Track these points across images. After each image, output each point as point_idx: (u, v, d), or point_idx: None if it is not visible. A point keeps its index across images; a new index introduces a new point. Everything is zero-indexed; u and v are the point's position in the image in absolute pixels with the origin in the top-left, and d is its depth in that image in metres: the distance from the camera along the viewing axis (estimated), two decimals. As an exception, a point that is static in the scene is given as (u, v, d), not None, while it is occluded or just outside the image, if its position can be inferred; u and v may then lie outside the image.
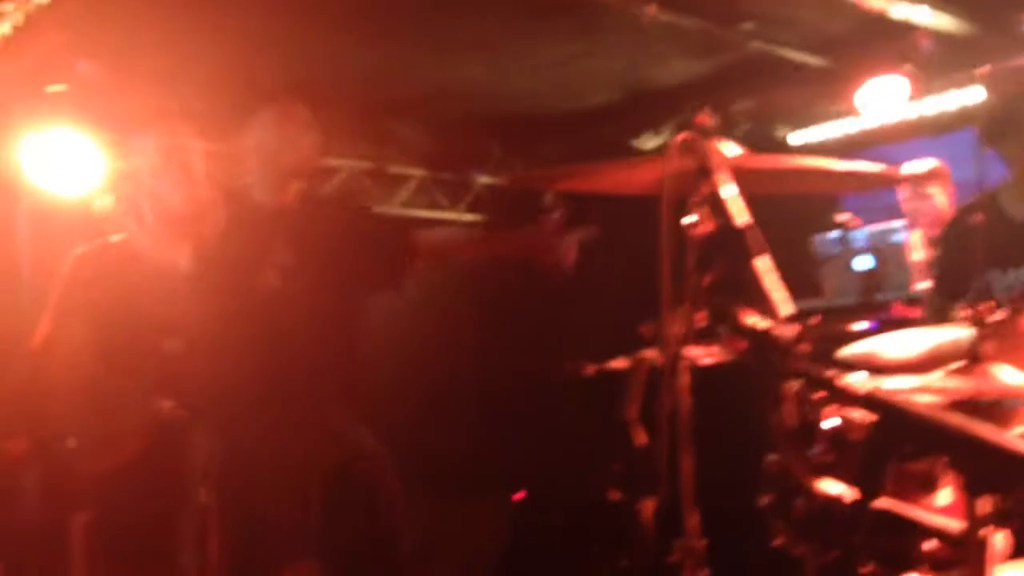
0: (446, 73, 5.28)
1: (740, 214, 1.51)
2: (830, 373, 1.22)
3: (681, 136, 1.52)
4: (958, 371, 1.62)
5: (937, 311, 3.26)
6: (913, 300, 4.40)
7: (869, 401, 1.15)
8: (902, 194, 4.85)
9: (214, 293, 2.97)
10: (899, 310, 4.41)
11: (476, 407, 6.19)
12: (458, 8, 4.52)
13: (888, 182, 4.51)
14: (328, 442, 2.99)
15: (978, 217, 3.27)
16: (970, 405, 1.46)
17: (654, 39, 4.93)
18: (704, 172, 1.52)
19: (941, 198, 4.77)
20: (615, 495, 1.83)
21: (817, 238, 4.63)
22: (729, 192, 1.52)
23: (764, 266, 1.47)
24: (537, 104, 5.89)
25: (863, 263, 4.46)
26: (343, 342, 3.13)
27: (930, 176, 4.77)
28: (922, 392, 1.49)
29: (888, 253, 4.44)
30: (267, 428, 2.88)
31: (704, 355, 3.07)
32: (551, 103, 5.90)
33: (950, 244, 3.53)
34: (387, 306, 3.30)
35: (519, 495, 5.03)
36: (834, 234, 4.54)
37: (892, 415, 1.12)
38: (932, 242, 4.49)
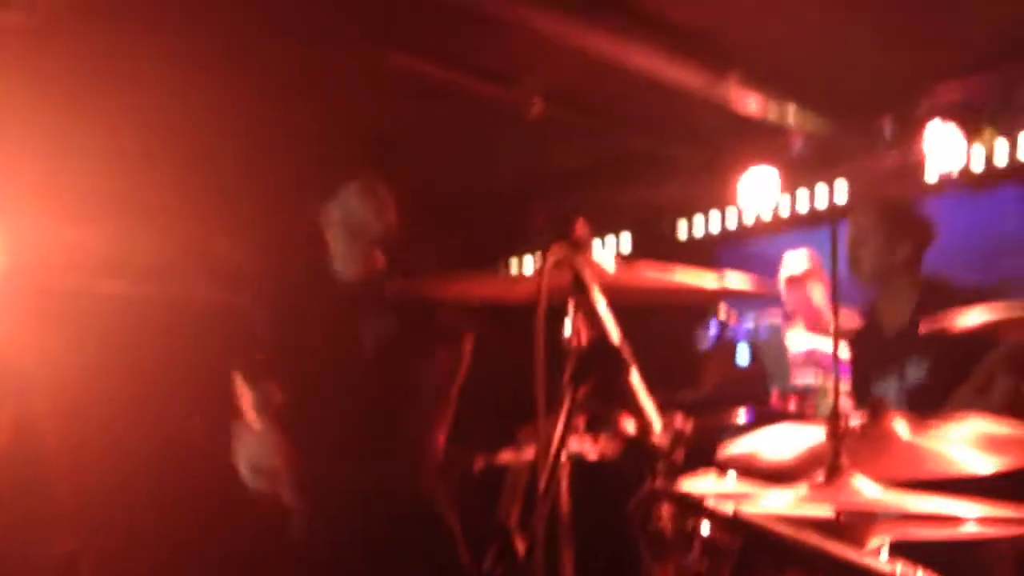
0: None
1: (613, 330, 1.55)
2: (697, 496, 1.25)
3: (556, 252, 1.56)
4: (820, 485, 1.68)
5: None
6: (790, 392, 4.55)
7: (733, 524, 1.18)
8: (784, 293, 5.04)
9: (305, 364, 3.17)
10: (777, 402, 4.55)
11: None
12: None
13: (761, 295, 4.71)
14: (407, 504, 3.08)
15: (859, 332, 3.51)
16: (828, 521, 1.51)
17: (539, 133, 5.06)
18: (579, 287, 1.56)
19: (818, 294, 4.97)
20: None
21: (699, 331, 4.77)
22: (602, 308, 1.57)
23: (635, 380, 1.51)
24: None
25: (743, 356, 4.60)
26: (419, 408, 3.26)
27: (804, 277, 4.97)
28: (784, 508, 1.53)
29: (766, 346, 4.59)
30: (352, 492, 3.05)
31: (591, 451, 3.12)
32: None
33: (854, 353, 3.75)
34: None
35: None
36: (714, 327, 4.68)
37: (755, 537, 1.15)
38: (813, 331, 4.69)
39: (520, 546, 1.90)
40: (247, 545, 4.83)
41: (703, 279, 1.90)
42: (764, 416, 4.47)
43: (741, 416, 4.60)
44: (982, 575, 2.83)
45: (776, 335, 4.62)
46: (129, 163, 4.79)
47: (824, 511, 1.52)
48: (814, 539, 1.13)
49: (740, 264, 5.44)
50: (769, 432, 2.50)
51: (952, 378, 3.31)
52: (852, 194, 5.39)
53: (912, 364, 3.45)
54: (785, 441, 2.41)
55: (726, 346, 4.65)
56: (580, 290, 1.58)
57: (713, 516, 1.19)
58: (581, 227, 1.89)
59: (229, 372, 3.23)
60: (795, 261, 4.98)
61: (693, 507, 1.22)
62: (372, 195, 3.31)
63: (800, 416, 4.34)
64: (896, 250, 3.56)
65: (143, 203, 5.29)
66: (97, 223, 5.37)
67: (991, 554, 2.87)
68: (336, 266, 3.31)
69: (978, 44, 4.54)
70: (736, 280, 2.05)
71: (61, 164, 4.66)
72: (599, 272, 1.71)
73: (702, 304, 4.74)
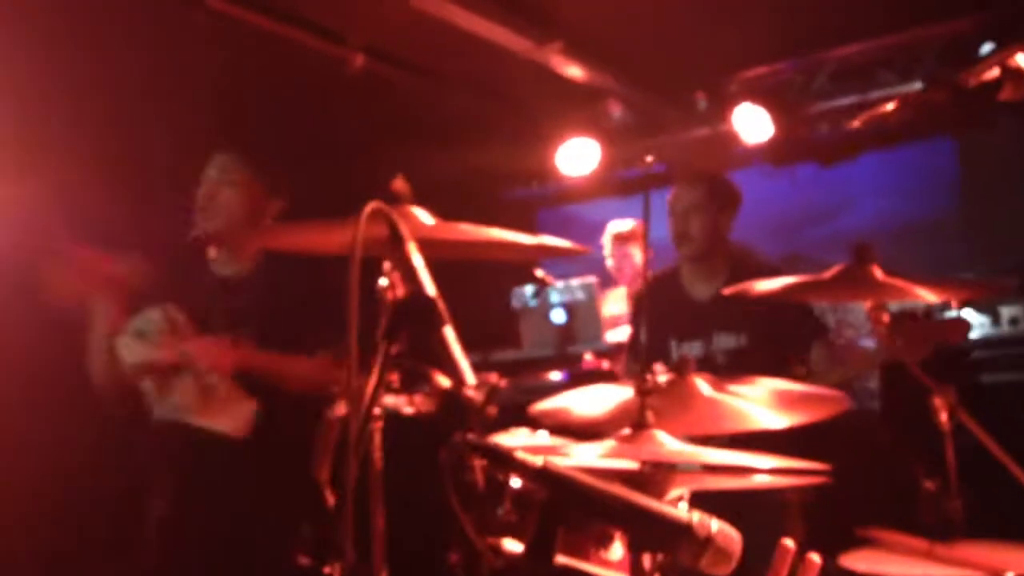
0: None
1: (428, 284, 1.55)
2: (507, 448, 1.27)
3: (372, 205, 1.54)
4: (626, 438, 1.74)
5: (631, 372, 3.52)
6: (603, 352, 4.70)
7: (542, 475, 1.21)
8: (606, 252, 5.19)
9: None
10: (590, 361, 4.68)
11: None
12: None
13: (574, 253, 4.83)
14: None
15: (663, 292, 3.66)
16: (634, 472, 1.57)
17: (364, 94, 4.98)
18: (396, 241, 1.55)
19: (639, 257, 5.15)
20: (303, 560, 1.79)
21: (515, 291, 4.84)
22: (418, 262, 1.56)
23: (450, 336, 1.52)
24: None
25: (558, 316, 4.70)
26: None
27: (630, 236, 5.13)
28: (592, 461, 1.59)
29: (580, 308, 4.71)
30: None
31: (406, 405, 3.12)
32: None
33: (638, 314, 3.90)
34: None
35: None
36: (530, 289, 4.76)
37: (562, 489, 1.19)
38: (633, 297, 4.85)
39: (330, 499, 1.88)
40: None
41: (519, 237, 1.92)
42: (578, 375, 4.61)
43: (555, 375, 4.72)
44: (771, 522, 3.01)
45: (590, 296, 4.74)
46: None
47: (629, 463, 1.58)
48: (619, 490, 1.18)
49: (559, 228, 5.59)
50: (581, 390, 2.57)
51: (764, 348, 3.53)
52: (668, 164, 5.59)
53: (721, 332, 3.63)
54: (595, 399, 2.48)
55: (541, 306, 4.74)
56: (396, 243, 1.56)
57: (523, 468, 1.22)
58: (399, 182, 1.87)
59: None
60: (621, 222, 5.18)
61: (502, 459, 1.24)
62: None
63: (612, 374, 4.49)
64: (723, 222, 3.73)
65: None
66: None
67: (779, 503, 3.07)
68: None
69: (784, 31, 4.78)
70: (551, 239, 2.09)
71: None
72: (416, 226, 1.70)
73: (518, 264, 4.81)
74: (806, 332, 3.56)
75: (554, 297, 4.73)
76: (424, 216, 1.78)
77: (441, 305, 1.53)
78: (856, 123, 2.19)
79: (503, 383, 1.82)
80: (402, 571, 1.98)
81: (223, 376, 2.97)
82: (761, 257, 3.88)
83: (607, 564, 1.77)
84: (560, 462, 1.23)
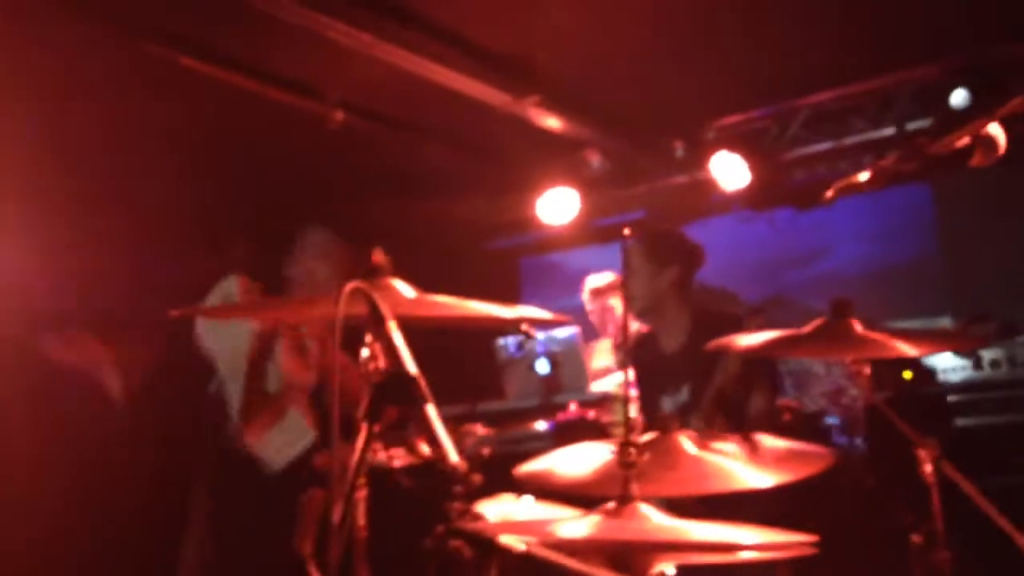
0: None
1: (410, 362, 1.56)
2: (489, 534, 1.26)
3: (352, 284, 1.54)
4: (611, 512, 1.74)
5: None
6: (589, 402, 4.69)
7: (526, 562, 1.20)
8: (589, 306, 5.21)
9: None
10: (575, 411, 4.68)
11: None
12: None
13: (555, 323, 4.86)
14: None
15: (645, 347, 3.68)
16: (618, 550, 1.57)
17: (342, 150, 5.00)
18: (376, 319, 1.55)
19: (619, 306, 5.16)
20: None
21: (499, 342, 4.84)
22: (399, 340, 1.56)
23: (432, 414, 1.52)
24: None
25: (542, 367, 4.70)
26: None
27: (607, 289, 5.16)
28: (578, 538, 1.58)
29: (564, 357, 4.71)
30: None
31: (392, 458, 3.11)
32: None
33: (638, 373, 3.91)
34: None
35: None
36: (514, 340, 4.76)
37: (546, 572, 1.18)
38: (618, 348, 4.85)
39: (315, 574, 1.87)
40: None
41: (498, 311, 1.93)
42: (563, 425, 4.60)
43: (541, 424, 4.70)
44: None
45: (574, 346, 4.74)
46: None
47: (614, 539, 1.58)
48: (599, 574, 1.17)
49: (541, 276, 5.61)
50: (564, 451, 2.56)
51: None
52: (648, 212, 5.64)
53: (685, 384, 3.65)
54: (579, 459, 2.47)
55: (526, 357, 4.74)
56: (376, 321, 1.57)
57: (506, 554, 1.21)
58: (378, 255, 1.88)
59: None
60: (599, 277, 5.22)
61: (486, 546, 1.24)
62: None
63: (598, 425, 4.48)
64: (662, 278, 3.73)
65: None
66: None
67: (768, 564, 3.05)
68: None
69: (758, 79, 4.85)
70: (531, 311, 2.09)
71: None
72: (396, 300, 1.70)
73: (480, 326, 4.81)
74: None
75: (538, 347, 4.73)
76: (404, 289, 1.78)
77: (423, 383, 1.53)
78: (829, 194, 2.20)
79: (487, 451, 1.82)
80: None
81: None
82: (722, 306, 3.93)
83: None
84: (543, 545, 1.23)
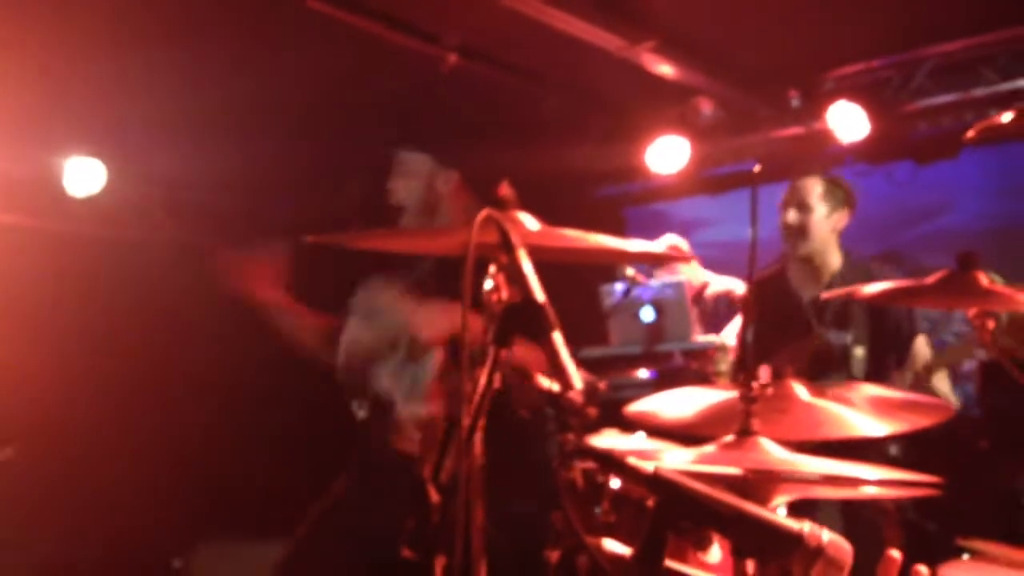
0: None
1: (538, 290, 1.59)
2: (619, 454, 1.29)
3: (485, 212, 1.58)
4: (730, 445, 1.76)
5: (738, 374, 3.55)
6: (692, 351, 4.68)
7: (653, 481, 1.23)
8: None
9: None
10: (679, 360, 4.67)
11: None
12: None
13: (679, 260, 4.85)
14: None
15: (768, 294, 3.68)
16: (739, 479, 1.59)
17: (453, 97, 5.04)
18: (507, 247, 1.59)
19: (688, 274, 5.15)
20: (407, 553, 1.84)
21: (604, 288, 4.84)
22: (528, 268, 1.60)
23: (559, 340, 1.55)
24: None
25: (647, 315, 4.69)
26: None
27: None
28: (698, 467, 1.60)
29: (669, 306, 4.69)
30: None
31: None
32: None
33: (748, 313, 3.90)
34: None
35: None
36: (620, 286, 4.76)
37: (673, 495, 1.21)
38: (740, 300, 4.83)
39: (435, 497, 1.93)
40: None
41: (625, 244, 1.94)
42: (666, 374, 4.60)
43: (643, 373, 4.72)
44: (870, 531, 2.99)
45: (680, 294, 4.72)
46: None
47: (733, 470, 1.60)
48: (730, 498, 1.20)
49: (647, 226, 5.59)
50: (669, 393, 2.58)
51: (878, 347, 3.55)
52: (763, 163, 5.53)
53: (828, 331, 3.65)
54: (684, 401, 2.49)
55: (631, 304, 4.74)
56: (506, 249, 1.60)
57: (634, 474, 1.24)
58: (505, 187, 1.91)
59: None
60: (660, 242, 5.19)
61: (615, 465, 1.27)
62: None
63: (701, 374, 4.47)
64: (835, 221, 3.76)
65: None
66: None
67: (877, 511, 3.04)
68: None
69: (882, 27, 4.70)
70: (656, 245, 2.10)
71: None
72: (523, 232, 1.74)
73: (609, 263, 4.81)
74: (907, 330, 3.60)
75: (643, 295, 4.72)
76: (530, 221, 1.81)
77: (550, 311, 1.56)
78: (970, 134, 2.14)
79: (603, 384, 1.85)
80: (500, 567, 2.02)
81: None
82: (871, 262, 3.91)
83: (705, 566, 1.79)
84: (669, 468, 1.25)
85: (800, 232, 3.73)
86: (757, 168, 3.12)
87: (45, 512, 5.17)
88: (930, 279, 2.53)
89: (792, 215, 3.74)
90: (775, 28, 4.70)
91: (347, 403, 3.29)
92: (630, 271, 4.75)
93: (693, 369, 4.61)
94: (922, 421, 2.23)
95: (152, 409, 5.50)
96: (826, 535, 1.20)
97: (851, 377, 3.65)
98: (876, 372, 3.60)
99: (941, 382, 3.60)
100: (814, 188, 3.76)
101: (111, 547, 5.33)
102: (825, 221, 3.76)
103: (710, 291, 5.05)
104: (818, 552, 1.18)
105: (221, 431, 5.66)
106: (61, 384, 5.10)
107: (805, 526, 1.20)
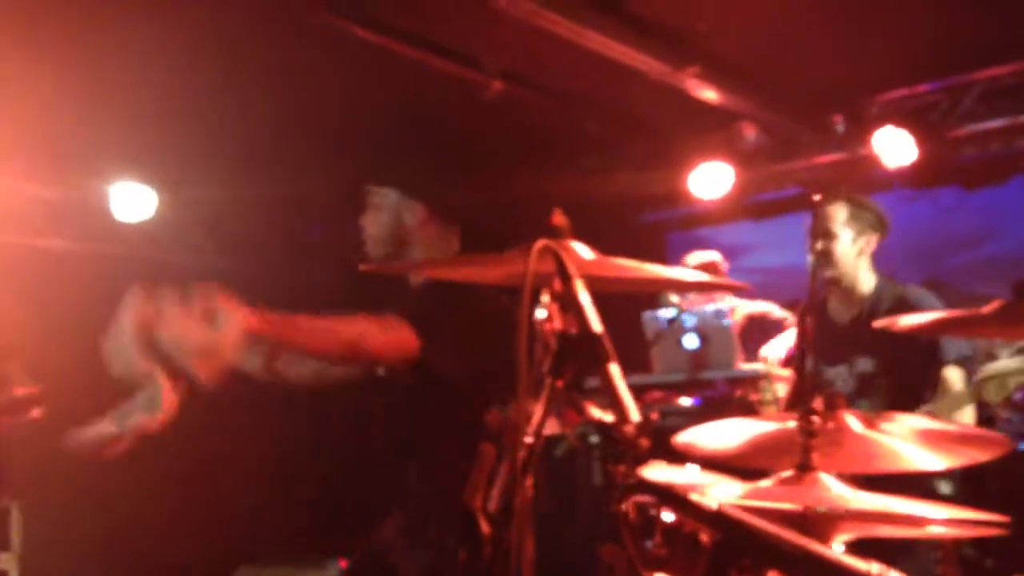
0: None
1: (595, 320, 1.58)
2: (681, 489, 1.28)
3: (543, 241, 1.57)
4: (789, 480, 1.73)
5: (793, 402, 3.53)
6: (736, 379, 4.64)
7: (717, 519, 1.21)
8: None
9: None
10: (723, 388, 4.63)
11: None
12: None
13: (733, 289, 4.82)
14: None
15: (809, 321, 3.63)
16: (799, 516, 1.56)
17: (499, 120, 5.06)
18: (564, 276, 1.58)
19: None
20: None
21: (647, 315, 4.82)
22: (585, 298, 1.59)
23: (616, 372, 1.54)
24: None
25: (691, 342, 4.66)
26: None
27: (709, 267, 5.12)
28: (758, 502, 1.57)
29: (714, 334, 4.66)
30: None
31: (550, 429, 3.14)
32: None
33: (800, 340, 3.87)
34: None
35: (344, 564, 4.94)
36: (663, 313, 4.73)
37: (737, 533, 1.19)
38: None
39: (485, 527, 1.91)
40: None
41: (680, 273, 1.93)
42: (710, 402, 4.56)
43: (686, 400, 4.68)
44: (926, 567, 2.92)
45: (724, 323, 4.69)
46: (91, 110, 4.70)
47: (791, 506, 1.57)
48: (797, 538, 1.17)
49: (689, 249, 5.54)
50: (718, 423, 2.54)
51: (903, 374, 3.49)
52: (806, 187, 5.51)
53: (861, 356, 3.61)
54: (734, 431, 2.45)
55: (674, 331, 4.71)
56: (563, 279, 1.59)
57: (696, 511, 1.22)
58: (559, 217, 1.90)
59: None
60: (701, 254, 5.22)
61: (676, 501, 1.25)
62: None
63: (745, 402, 4.43)
64: (863, 245, 3.73)
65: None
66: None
67: (934, 546, 2.97)
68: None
69: (928, 52, 4.67)
70: (710, 276, 2.08)
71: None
72: (578, 261, 1.73)
73: (653, 290, 4.79)
74: (933, 359, 3.53)
75: (687, 322, 4.69)
76: (584, 251, 1.80)
77: (607, 342, 1.55)
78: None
79: (655, 415, 1.83)
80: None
81: None
82: (906, 286, 3.83)
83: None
84: (731, 505, 1.23)
85: (826, 258, 3.71)
86: (817, 197, 3.09)
87: (88, 540, 5.22)
88: (986, 308, 2.48)
89: (818, 243, 3.72)
90: (820, 53, 4.68)
91: None
92: (675, 298, 4.72)
93: (737, 397, 4.56)
94: (980, 456, 2.18)
95: (200, 430, 5.53)
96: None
97: (875, 406, 3.59)
98: (898, 402, 3.52)
99: (967, 416, 3.52)
100: (838, 214, 3.73)
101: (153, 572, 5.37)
102: (851, 247, 3.73)
103: (739, 315, 5.02)
104: (887, 594, 1.15)
105: (273, 455, 5.70)
106: (109, 407, 5.14)
107: (873, 567, 1.17)
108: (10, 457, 4.01)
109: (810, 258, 3.73)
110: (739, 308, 5.05)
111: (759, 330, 4.94)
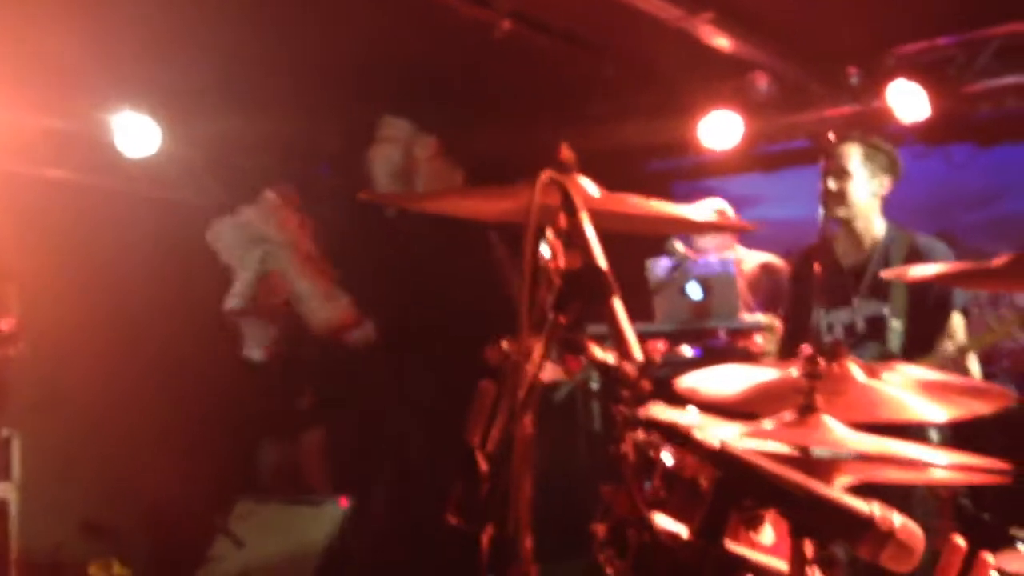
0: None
1: (600, 255, 1.55)
2: (685, 426, 1.26)
3: (547, 173, 1.54)
4: (792, 422, 1.71)
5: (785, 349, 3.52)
6: (738, 329, 4.62)
7: (720, 457, 1.19)
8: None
9: None
10: (724, 338, 4.61)
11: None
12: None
13: (742, 229, 4.77)
14: None
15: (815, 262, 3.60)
16: (803, 457, 1.54)
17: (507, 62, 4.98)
18: (569, 210, 1.55)
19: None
20: (453, 520, 1.82)
21: (650, 263, 4.78)
22: (591, 232, 1.56)
23: (619, 308, 1.51)
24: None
25: (694, 292, 4.63)
26: None
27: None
28: (761, 442, 1.56)
29: (717, 284, 4.63)
30: None
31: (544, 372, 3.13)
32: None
33: (795, 286, 3.85)
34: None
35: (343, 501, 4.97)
36: (667, 261, 4.70)
37: (739, 472, 1.17)
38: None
39: (483, 464, 1.90)
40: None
41: (690, 212, 1.89)
42: (711, 351, 4.55)
43: (687, 349, 4.67)
44: (923, 518, 2.92)
45: (729, 272, 4.66)
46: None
47: (794, 448, 1.55)
48: (799, 477, 1.15)
49: (695, 199, 5.48)
50: (718, 368, 2.53)
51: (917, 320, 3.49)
52: (816, 139, 5.43)
53: (866, 299, 3.60)
54: (735, 377, 2.43)
55: (678, 280, 4.68)
56: (569, 213, 1.56)
57: (699, 448, 1.20)
58: (566, 151, 1.86)
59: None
60: (711, 202, 5.11)
61: (680, 438, 1.23)
62: None
63: (746, 352, 4.42)
64: (876, 187, 3.70)
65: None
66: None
67: (931, 498, 2.98)
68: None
69: (946, 5, 4.58)
70: (722, 216, 2.05)
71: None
72: (584, 196, 1.70)
73: (656, 237, 4.75)
74: (946, 306, 3.54)
75: (691, 271, 4.66)
76: (590, 187, 1.77)
77: (612, 277, 1.52)
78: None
79: (657, 355, 1.80)
80: (548, 540, 2.00)
81: None
82: (916, 235, 3.82)
83: (757, 547, 1.75)
84: (736, 445, 1.21)
85: (839, 198, 3.67)
86: (832, 137, 3.05)
87: (88, 471, 5.24)
88: (997, 261, 2.45)
89: (831, 182, 3.66)
90: (837, 3, 4.59)
91: None
92: (679, 246, 4.68)
93: (739, 348, 4.55)
94: (983, 407, 2.16)
95: (195, 367, 5.55)
96: (898, 519, 1.15)
97: (887, 350, 3.58)
98: (913, 346, 3.54)
99: (972, 364, 3.56)
100: (852, 153, 3.69)
101: (150, 505, 5.41)
102: (865, 186, 3.70)
103: (750, 265, 5.00)
104: (889, 536, 1.14)
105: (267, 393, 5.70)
106: (107, 340, 5.16)
107: (875, 509, 1.16)
108: (7, 387, 4.00)
109: (822, 197, 3.68)
110: (747, 259, 5.03)
111: (771, 281, 4.92)
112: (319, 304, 4.21)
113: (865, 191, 3.70)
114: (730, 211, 5.15)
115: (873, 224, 3.73)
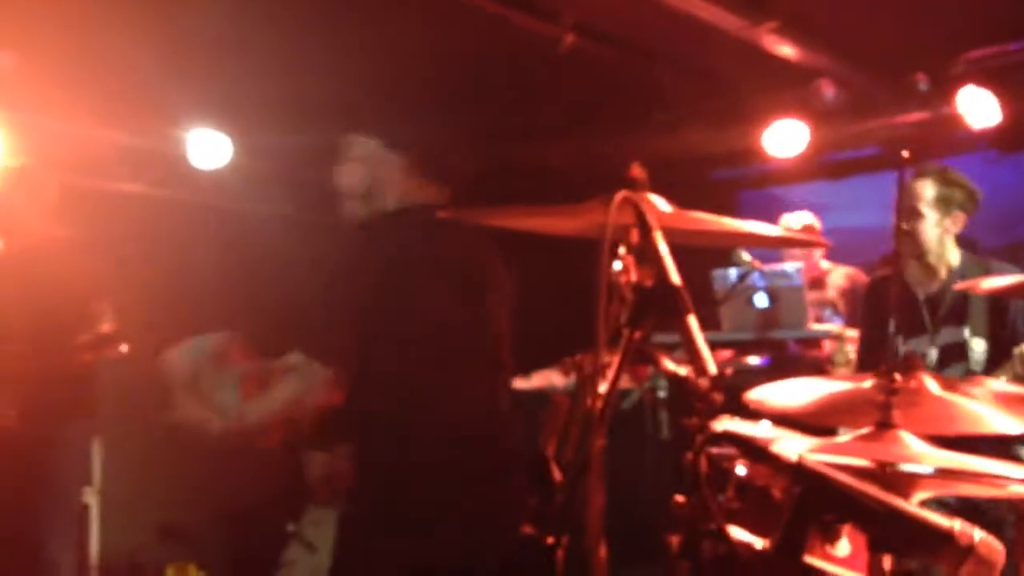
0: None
1: (673, 272, 1.57)
2: (762, 441, 1.28)
3: (623, 193, 1.57)
4: (868, 436, 1.71)
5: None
6: (806, 339, 4.59)
7: (798, 472, 1.21)
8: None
9: None
10: (792, 348, 4.59)
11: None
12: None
13: (815, 246, 4.76)
14: None
15: (892, 289, 3.59)
16: (880, 472, 1.55)
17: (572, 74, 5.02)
18: (643, 228, 1.58)
19: (816, 252, 5.09)
20: (528, 530, 1.86)
21: (717, 273, 4.78)
22: (664, 250, 1.58)
23: (694, 324, 1.53)
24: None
25: (761, 301, 4.62)
26: None
27: (804, 232, 5.06)
28: (838, 457, 1.57)
29: (785, 293, 4.61)
30: None
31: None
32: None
33: (868, 314, 3.83)
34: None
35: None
36: (733, 271, 4.69)
37: (818, 486, 1.19)
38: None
39: (556, 475, 1.93)
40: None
41: (762, 228, 1.91)
42: (780, 361, 4.53)
43: (754, 359, 4.65)
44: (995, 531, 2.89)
45: (795, 283, 4.63)
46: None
47: (870, 462, 1.56)
48: (878, 492, 1.17)
49: (761, 210, 5.47)
50: (790, 381, 2.52)
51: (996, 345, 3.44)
52: (885, 147, 5.39)
53: (948, 327, 3.57)
54: (807, 389, 2.43)
55: (744, 289, 4.67)
56: (643, 231, 1.59)
57: (777, 462, 1.22)
58: (637, 168, 1.89)
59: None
60: (795, 216, 5.11)
61: (757, 453, 1.25)
62: None
63: (815, 362, 4.39)
64: (948, 224, 3.65)
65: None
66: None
67: (1005, 516, 2.93)
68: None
69: (1017, 9, 4.51)
70: (792, 232, 2.06)
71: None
72: (657, 214, 1.72)
73: (723, 247, 4.75)
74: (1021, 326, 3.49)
75: (758, 281, 4.64)
76: (661, 204, 1.79)
77: (686, 295, 1.55)
78: None
79: (729, 369, 1.82)
80: (619, 549, 2.02)
81: None
82: (991, 260, 3.78)
83: (833, 560, 1.76)
84: (814, 459, 1.23)
85: (910, 238, 3.64)
86: (905, 153, 3.02)
87: (166, 476, 5.36)
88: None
89: (903, 222, 3.64)
90: (904, 8, 4.55)
91: None
92: (746, 256, 4.67)
93: (808, 358, 4.52)
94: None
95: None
96: (978, 534, 1.16)
97: (970, 371, 3.54)
98: (995, 365, 3.50)
99: None
100: (925, 192, 3.63)
101: (226, 510, 5.51)
102: (935, 227, 3.64)
103: (836, 279, 4.98)
104: (969, 551, 1.14)
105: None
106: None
107: (956, 524, 1.17)
108: (93, 392, 4.14)
109: (894, 232, 3.67)
110: (834, 271, 5.00)
111: (857, 295, 4.88)
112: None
113: (936, 231, 3.64)
114: (818, 224, 5.14)
115: (947, 254, 3.67)
